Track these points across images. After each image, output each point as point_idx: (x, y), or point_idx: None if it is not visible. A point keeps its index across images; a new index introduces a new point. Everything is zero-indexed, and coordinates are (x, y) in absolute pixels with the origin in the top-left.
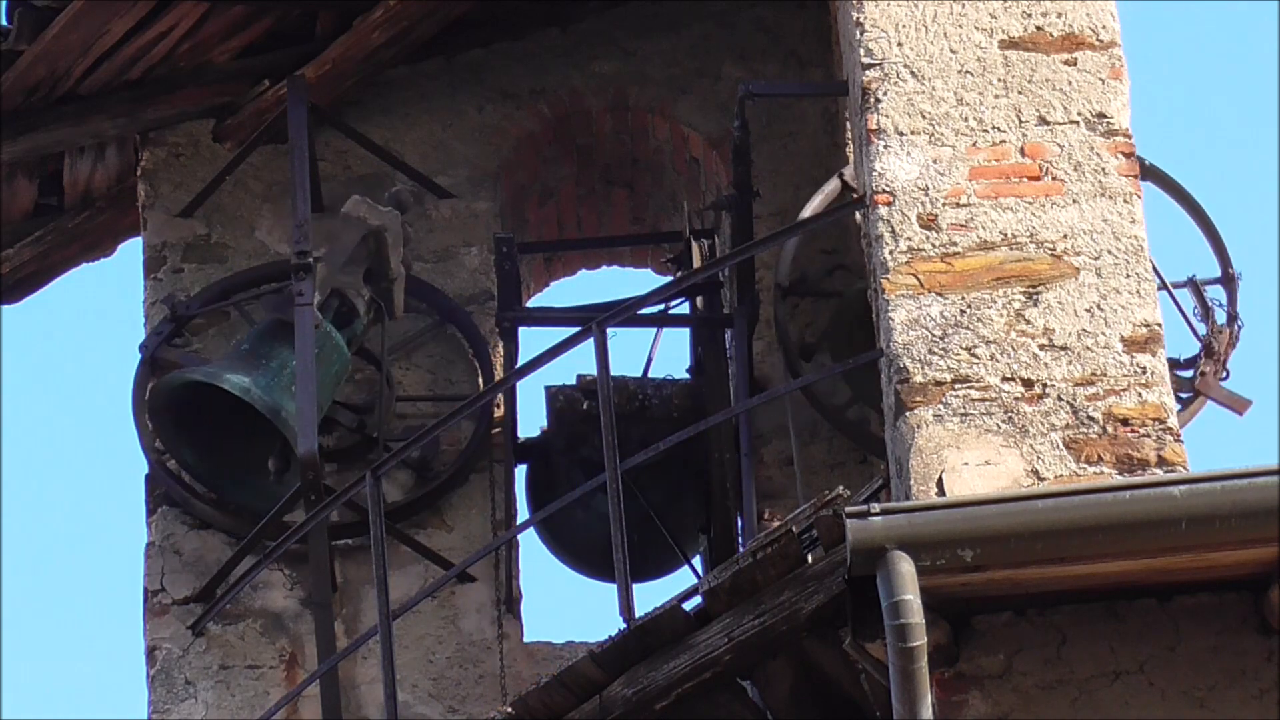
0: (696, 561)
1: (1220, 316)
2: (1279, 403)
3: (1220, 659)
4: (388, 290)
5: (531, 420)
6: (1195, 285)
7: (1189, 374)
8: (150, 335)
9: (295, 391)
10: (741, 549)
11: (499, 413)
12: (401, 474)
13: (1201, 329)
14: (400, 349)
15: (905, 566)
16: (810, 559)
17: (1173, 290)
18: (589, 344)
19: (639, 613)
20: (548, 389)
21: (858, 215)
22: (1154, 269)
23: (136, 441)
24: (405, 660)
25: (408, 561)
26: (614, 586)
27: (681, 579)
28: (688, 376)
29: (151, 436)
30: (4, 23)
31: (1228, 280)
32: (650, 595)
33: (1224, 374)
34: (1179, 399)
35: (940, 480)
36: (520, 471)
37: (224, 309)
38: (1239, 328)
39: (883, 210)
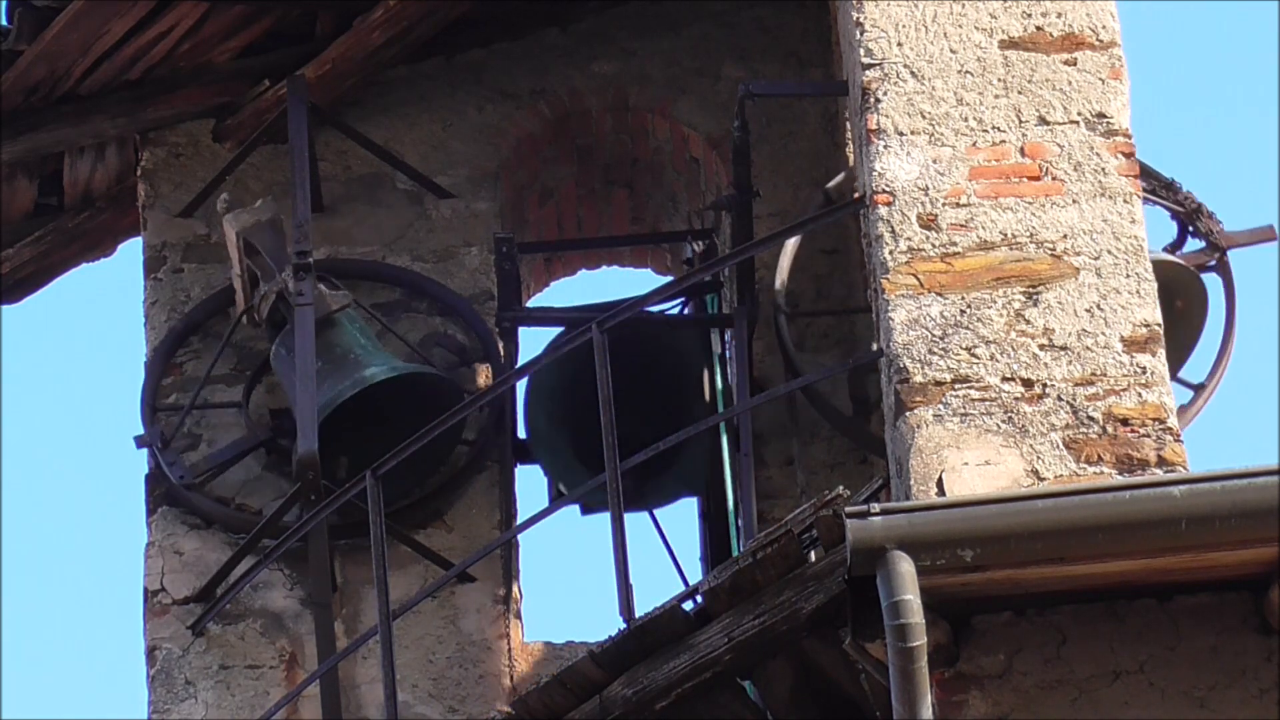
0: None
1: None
2: (1279, 403)
3: (1220, 659)
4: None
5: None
6: (1166, 187)
7: (1199, 246)
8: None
9: (369, 352)
10: (741, 549)
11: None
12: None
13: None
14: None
15: (905, 566)
16: (810, 559)
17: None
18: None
19: (639, 613)
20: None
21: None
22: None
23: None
24: (405, 660)
25: (408, 561)
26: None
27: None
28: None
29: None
30: (4, 23)
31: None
32: (650, 592)
33: (1219, 223)
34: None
35: (940, 480)
36: (520, 472)
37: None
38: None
39: (883, 210)
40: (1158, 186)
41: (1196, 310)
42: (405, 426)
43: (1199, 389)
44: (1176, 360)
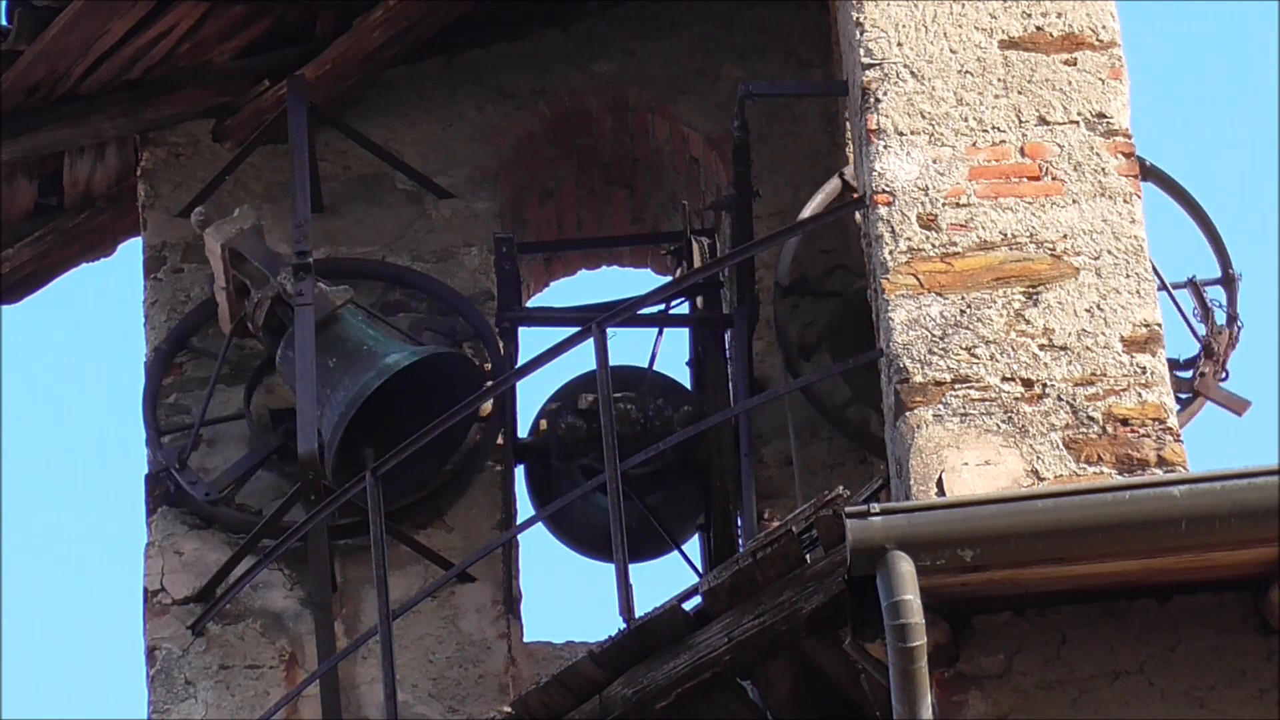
0: (696, 558)
1: (1220, 317)
2: (1279, 402)
3: (1220, 659)
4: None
5: (531, 420)
6: (1195, 286)
7: (1188, 375)
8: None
9: (377, 342)
10: (741, 549)
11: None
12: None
13: (1201, 329)
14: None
15: (905, 566)
16: (810, 559)
17: (1172, 291)
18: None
19: (639, 613)
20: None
21: (857, 215)
22: (1154, 269)
23: (137, 440)
24: (405, 660)
25: (408, 561)
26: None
27: (679, 573)
28: (689, 388)
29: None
30: (4, 23)
31: (1228, 281)
32: (650, 592)
33: (1223, 375)
34: (1178, 399)
35: (940, 480)
36: (520, 471)
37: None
38: (1238, 329)
39: (882, 210)
40: (1198, 306)
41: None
42: (424, 412)
43: (1185, 404)
44: None
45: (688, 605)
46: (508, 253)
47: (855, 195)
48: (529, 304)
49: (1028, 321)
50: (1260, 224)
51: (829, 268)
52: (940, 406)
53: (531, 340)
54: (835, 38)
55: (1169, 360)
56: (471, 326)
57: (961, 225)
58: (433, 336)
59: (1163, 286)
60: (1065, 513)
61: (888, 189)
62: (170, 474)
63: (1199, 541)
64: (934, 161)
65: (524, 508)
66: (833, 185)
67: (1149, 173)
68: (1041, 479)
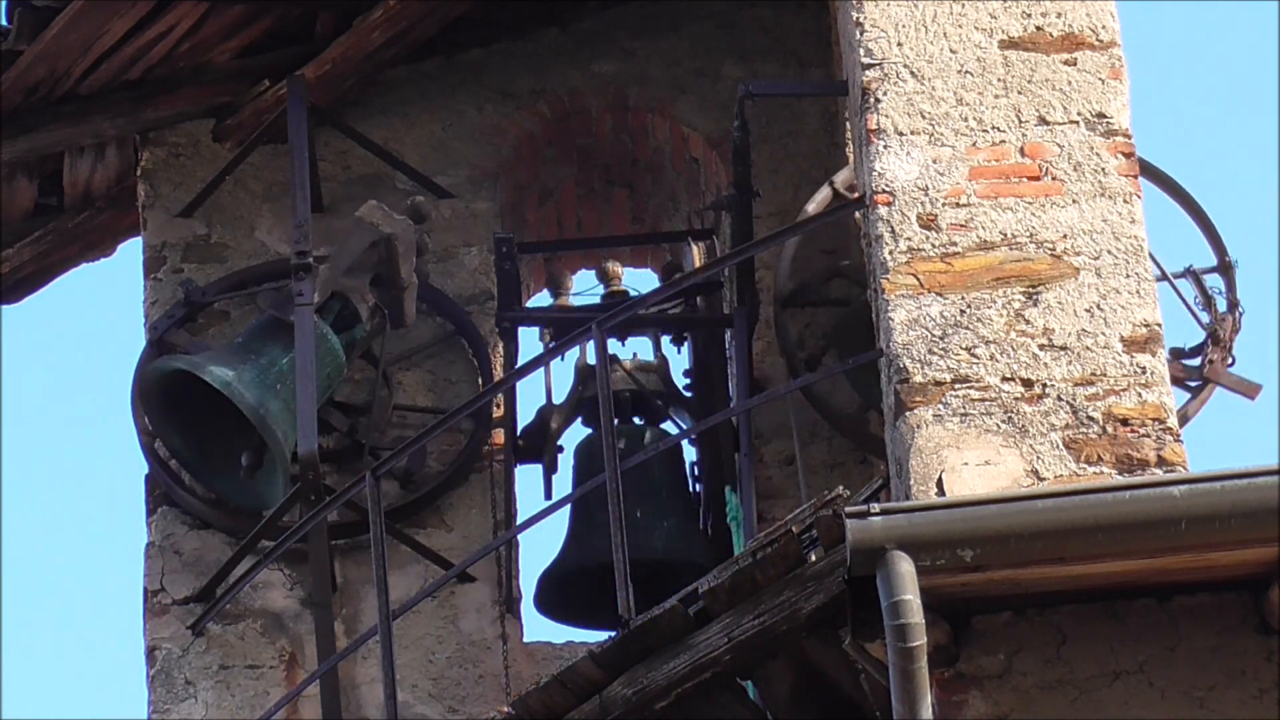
0: None
1: (1221, 304)
2: (1279, 402)
3: (1220, 659)
4: (397, 298)
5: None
6: (1194, 275)
7: (1196, 362)
8: (161, 319)
9: (281, 389)
10: (741, 549)
11: (499, 413)
12: (388, 483)
13: (1205, 318)
14: (406, 357)
15: (905, 566)
16: (810, 559)
17: (1174, 281)
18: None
19: (639, 613)
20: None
21: (857, 215)
22: (1154, 261)
23: (136, 439)
24: (405, 660)
25: (408, 561)
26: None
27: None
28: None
29: (143, 421)
30: (4, 23)
31: (1225, 268)
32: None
33: (1231, 360)
34: (1187, 387)
35: (940, 480)
36: (520, 472)
37: (237, 300)
38: (1240, 314)
39: (882, 210)
40: (1199, 295)
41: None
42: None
43: (1197, 391)
44: None
45: (688, 605)
46: (507, 253)
47: (855, 195)
48: (529, 304)
49: (1028, 321)
50: (1260, 224)
51: (828, 275)
52: (940, 406)
53: (532, 340)
54: (835, 38)
55: (1174, 350)
56: (462, 329)
57: (961, 225)
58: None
59: (1164, 277)
60: (1065, 513)
61: (888, 189)
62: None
63: (1199, 541)
64: (934, 161)
65: (524, 508)
66: (823, 195)
67: (1142, 168)
68: (1041, 479)
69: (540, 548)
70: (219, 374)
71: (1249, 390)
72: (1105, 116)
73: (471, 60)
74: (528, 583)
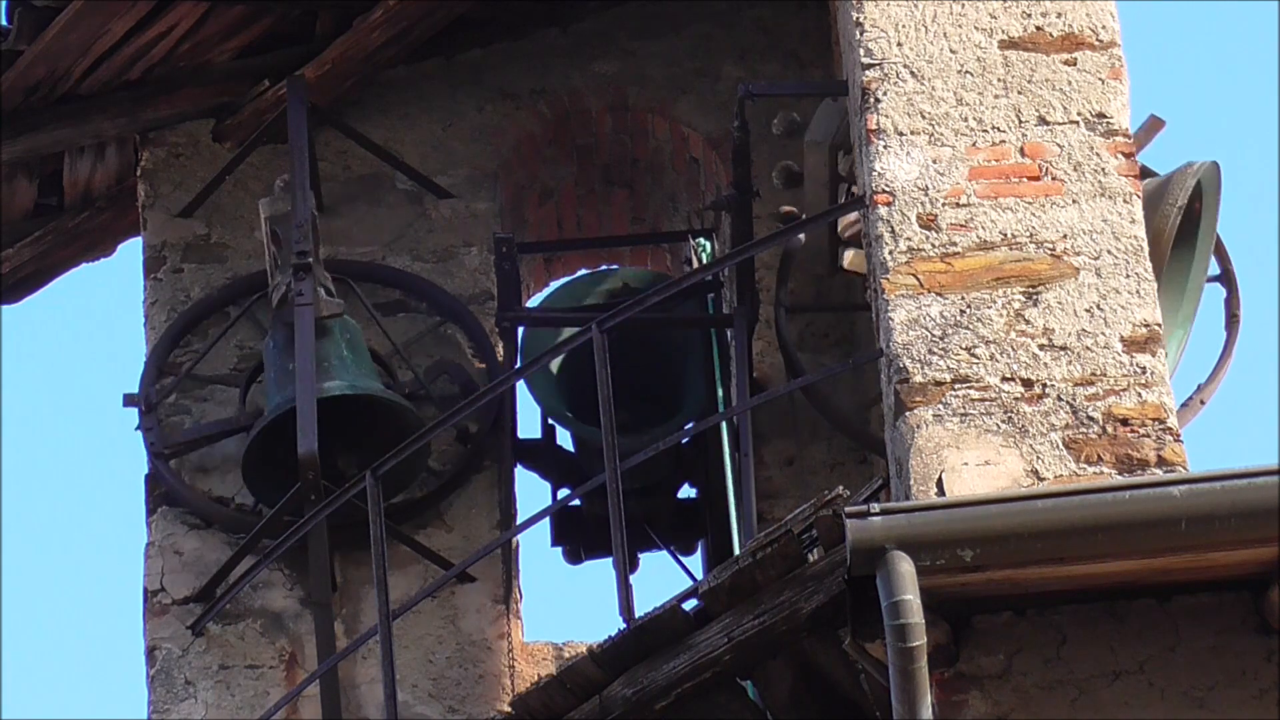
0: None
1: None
2: (1279, 402)
3: (1220, 659)
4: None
5: (531, 420)
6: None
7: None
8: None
9: (356, 365)
10: (741, 549)
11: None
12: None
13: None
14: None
15: (905, 566)
16: (810, 559)
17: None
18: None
19: (639, 613)
20: None
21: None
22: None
23: (137, 440)
24: (405, 660)
25: (408, 561)
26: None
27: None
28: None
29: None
30: (4, 23)
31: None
32: (650, 592)
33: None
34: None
35: (940, 480)
36: (520, 472)
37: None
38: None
39: (882, 210)
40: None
41: (1211, 206)
42: (357, 445)
43: (1198, 391)
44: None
45: (687, 605)
46: (507, 253)
47: (855, 194)
48: (529, 304)
49: (1028, 321)
50: (1260, 224)
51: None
52: (940, 406)
53: (530, 339)
54: (835, 38)
55: None
56: (465, 329)
57: (961, 225)
58: (445, 383)
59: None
60: (1065, 513)
61: (888, 189)
62: (140, 412)
63: (1199, 541)
64: (934, 161)
65: (524, 508)
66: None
67: (1142, 173)
68: (1041, 479)
69: (541, 548)
70: (334, 387)
71: (1154, 126)
72: (1105, 116)
73: (471, 60)
74: (528, 583)
